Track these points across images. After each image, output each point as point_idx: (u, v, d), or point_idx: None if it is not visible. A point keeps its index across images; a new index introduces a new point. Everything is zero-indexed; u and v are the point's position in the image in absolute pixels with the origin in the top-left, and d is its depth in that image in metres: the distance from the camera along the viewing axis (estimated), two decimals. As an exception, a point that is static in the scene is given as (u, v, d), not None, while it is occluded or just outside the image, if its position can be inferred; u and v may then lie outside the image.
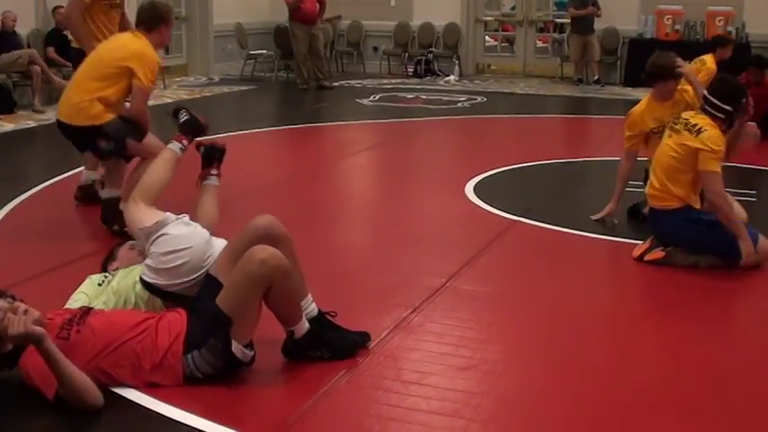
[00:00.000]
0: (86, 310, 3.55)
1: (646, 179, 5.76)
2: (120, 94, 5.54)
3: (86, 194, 6.44)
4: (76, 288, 3.99)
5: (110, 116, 5.47)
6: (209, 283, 3.62)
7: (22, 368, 3.35)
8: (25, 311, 3.19)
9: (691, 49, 13.44)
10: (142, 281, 3.83)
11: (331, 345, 3.73)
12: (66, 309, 3.70)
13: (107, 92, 5.46)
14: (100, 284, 3.98)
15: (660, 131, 5.77)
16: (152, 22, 5.64)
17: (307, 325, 3.69)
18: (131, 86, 5.48)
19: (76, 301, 3.86)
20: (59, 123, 5.65)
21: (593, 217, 6.01)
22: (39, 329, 3.16)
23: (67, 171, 7.35)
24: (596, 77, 14.32)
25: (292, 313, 3.65)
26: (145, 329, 3.46)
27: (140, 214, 3.94)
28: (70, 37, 11.73)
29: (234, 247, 3.68)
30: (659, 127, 5.84)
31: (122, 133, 5.50)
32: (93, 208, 6.12)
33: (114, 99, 5.52)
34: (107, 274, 4.08)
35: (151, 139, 5.60)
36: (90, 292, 3.94)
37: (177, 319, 3.52)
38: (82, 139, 5.59)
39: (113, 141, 5.49)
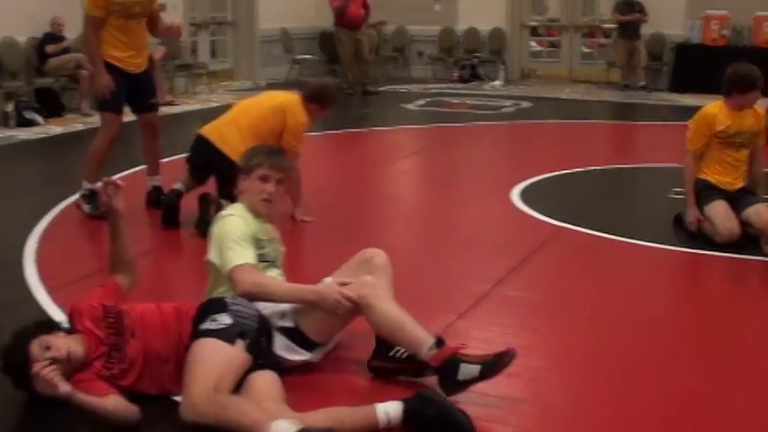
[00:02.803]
0: (121, 331, 3.34)
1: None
2: None
3: (150, 200, 6.47)
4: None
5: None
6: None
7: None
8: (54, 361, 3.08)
9: (738, 54, 13.49)
10: None
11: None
12: (102, 313, 3.40)
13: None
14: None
15: (723, 139, 5.79)
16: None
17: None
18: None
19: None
20: (201, 138, 5.81)
21: (692, 228, 5.86)
22: (65, 390, 3.06)
23: (116, 173, 7.42)
24: (643, 83, 14.17)
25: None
26: (177, 357, 3.35)
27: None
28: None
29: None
30: (724, 133, 5.80)
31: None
32: (142, 209, 6.25)
33: None
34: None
35: None
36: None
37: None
38: (214, 162, 5.76)
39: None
